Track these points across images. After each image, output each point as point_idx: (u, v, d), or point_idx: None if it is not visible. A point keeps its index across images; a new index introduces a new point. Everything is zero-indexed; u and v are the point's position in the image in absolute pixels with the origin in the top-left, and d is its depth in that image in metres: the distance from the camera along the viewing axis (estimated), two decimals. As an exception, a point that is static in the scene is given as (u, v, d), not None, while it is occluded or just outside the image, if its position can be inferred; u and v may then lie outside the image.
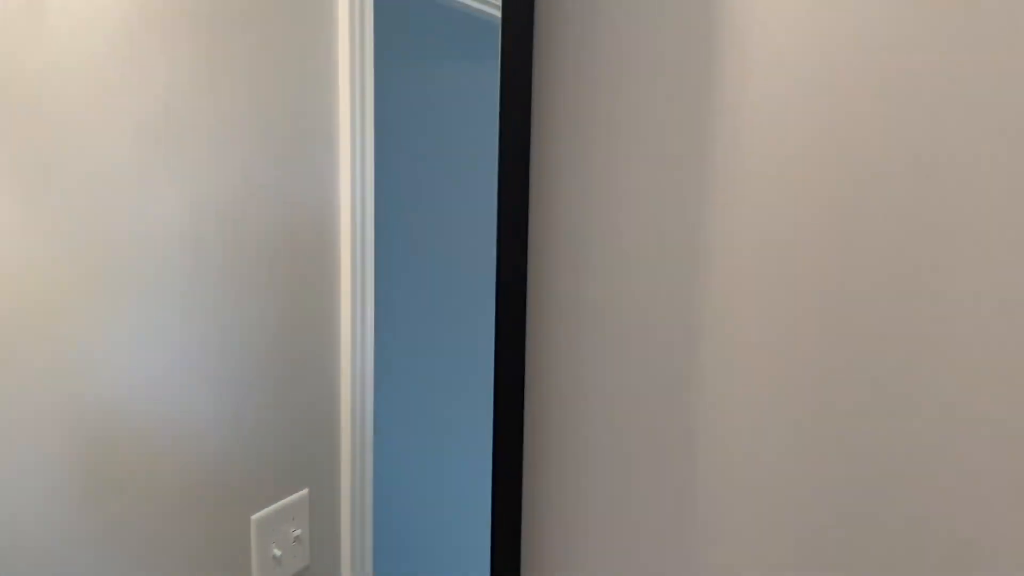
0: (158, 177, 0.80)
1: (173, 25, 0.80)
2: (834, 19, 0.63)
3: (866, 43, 0.62)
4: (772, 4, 0.64)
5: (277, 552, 0.96)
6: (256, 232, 0.90)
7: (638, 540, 0.72)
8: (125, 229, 0.77)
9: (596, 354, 0.71)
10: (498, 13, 0.72)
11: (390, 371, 1.18)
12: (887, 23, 0.61)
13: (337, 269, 1.01)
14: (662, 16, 0.67)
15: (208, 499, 0.88)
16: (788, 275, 0.65)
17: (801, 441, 0.66)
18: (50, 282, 0.72)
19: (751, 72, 0.64)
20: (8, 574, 0.73)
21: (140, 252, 0.79)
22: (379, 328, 1.09)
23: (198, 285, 0.85)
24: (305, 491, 1.01)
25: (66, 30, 0.71)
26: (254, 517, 0.94)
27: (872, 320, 0.63)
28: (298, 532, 1.00)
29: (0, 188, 0.68)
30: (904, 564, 0.65)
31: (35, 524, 0.73)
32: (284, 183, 0.93)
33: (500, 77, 0.69)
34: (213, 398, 0.88)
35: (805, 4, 0.63)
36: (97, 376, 0.77)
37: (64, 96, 0.72)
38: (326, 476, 1.07)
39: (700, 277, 0.68)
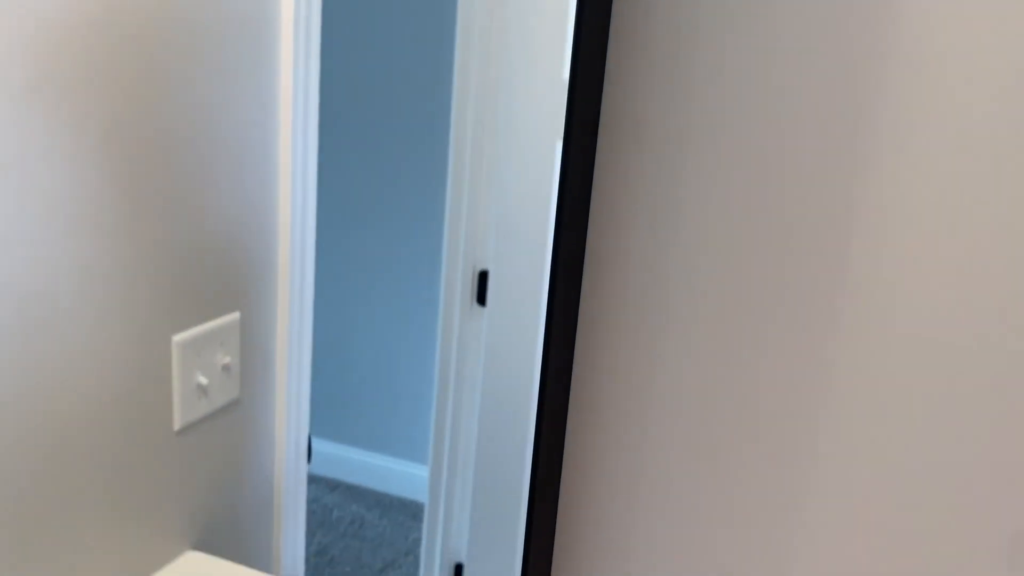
0: None
1: None
2: None
3: None
4: None
5: (203, 380, 0.89)
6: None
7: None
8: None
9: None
10: None
11: (332, 200, 1.11)
12: None
13: (277, 73, 0.93)
14: None
15: (122, 314, 0.78)
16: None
17: None
18: None
19: None
20: None
21: None
22: (323, 142, 1.02)
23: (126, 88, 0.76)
24: (236, 315, 0.93)
25: None
26: (176, 338, 0.86)
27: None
28: (227, 360, 0.92)
29: None
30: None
31: None
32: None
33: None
34: (124, 201, 0.78)
35: None
36: None
37: None
38: (260, 301, 0.96)
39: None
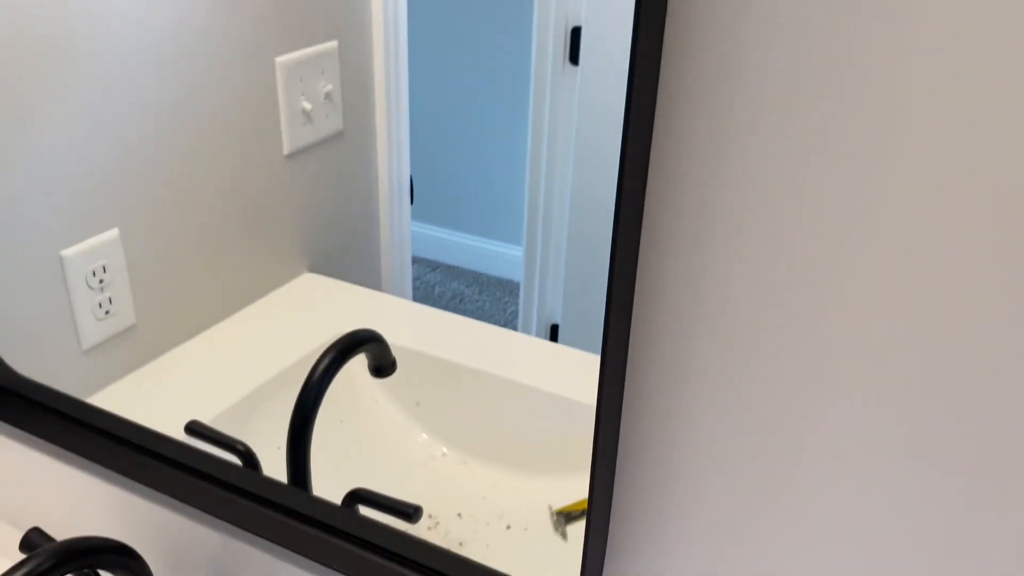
0: None
1: None
2: None
3: None
4: None
5: (307, 105, 0.95)
6: None
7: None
8: None
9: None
10: None
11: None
12: None
13: None
14: None
15: (231, 35, 0.83)
16: None
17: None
18: None
19: None
20: None
21: None
22: None
23: None
24: (334, 43, 0.97)
25: None
26: (279, 59, 0.90)
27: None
28: (328, 88, 0.97)
29: None
30: None
31: None
32: None
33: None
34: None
35: None
36: None
37: None
38: (356, 32, 1.00)
39: None
